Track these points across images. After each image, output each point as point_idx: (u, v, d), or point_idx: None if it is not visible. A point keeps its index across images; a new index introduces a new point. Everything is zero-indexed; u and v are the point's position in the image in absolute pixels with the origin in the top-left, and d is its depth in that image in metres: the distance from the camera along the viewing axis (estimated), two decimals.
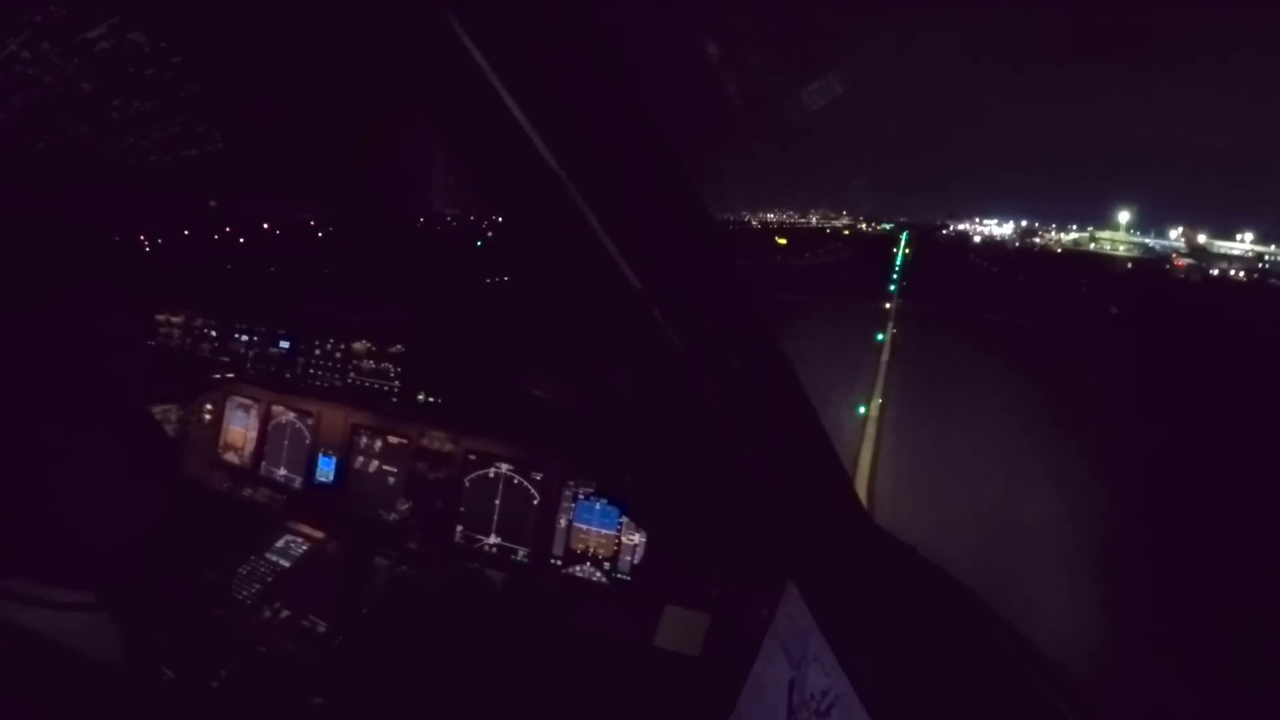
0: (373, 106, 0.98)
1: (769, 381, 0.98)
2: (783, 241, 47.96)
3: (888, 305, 17.96)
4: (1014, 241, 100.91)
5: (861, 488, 5.83)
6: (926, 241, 65.86)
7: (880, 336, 13.19)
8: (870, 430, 7.74)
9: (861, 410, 8.33)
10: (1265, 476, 6.76)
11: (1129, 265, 62.75)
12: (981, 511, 5.67)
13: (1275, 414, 9.77)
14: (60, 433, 0.69)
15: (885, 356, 11.81)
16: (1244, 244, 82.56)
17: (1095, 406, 9.54)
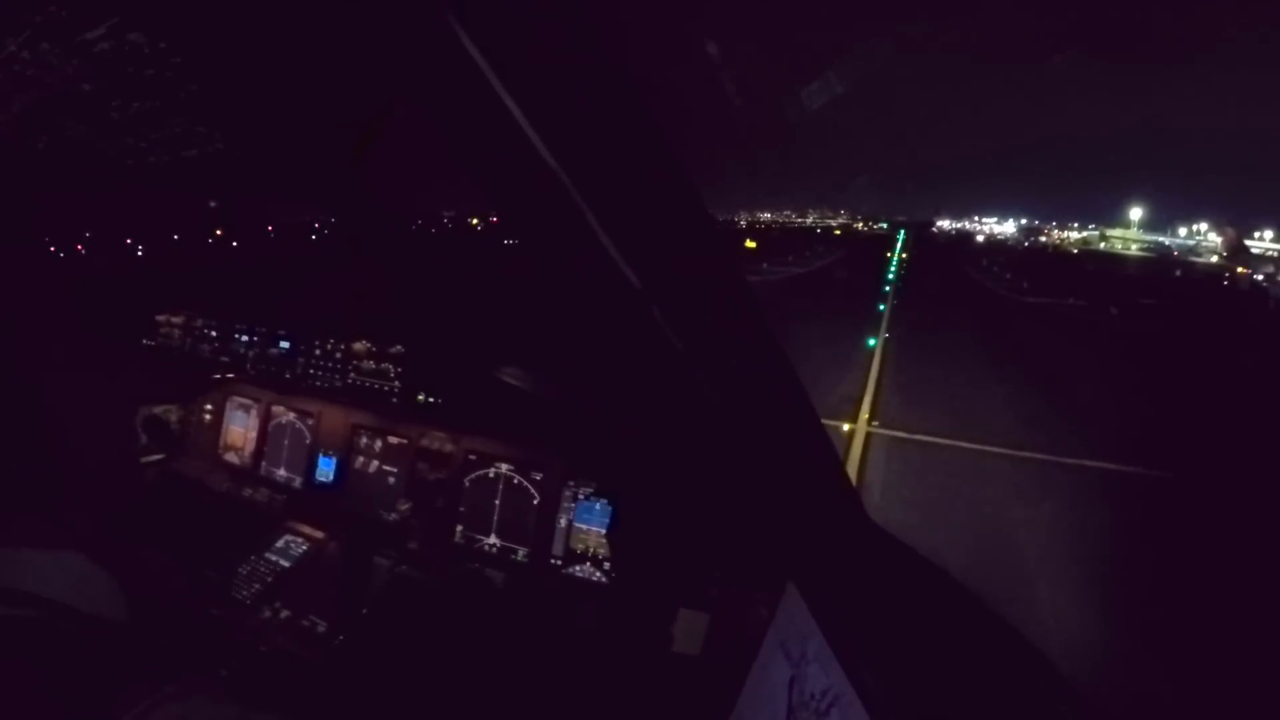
0: (373, 106, 0.98)
1: (768, 380, 0.98)
2: (752, 245, 40.92)
3: (845, 430, 7.56)
4: (1023, 242, 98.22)
5: None
6: (924, 242, 64.17)
7: None
8: None
9: None
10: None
11: (1177, 272, 47.18)
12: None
13: None
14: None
15: None
16: (1264, 242, 77.38)
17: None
